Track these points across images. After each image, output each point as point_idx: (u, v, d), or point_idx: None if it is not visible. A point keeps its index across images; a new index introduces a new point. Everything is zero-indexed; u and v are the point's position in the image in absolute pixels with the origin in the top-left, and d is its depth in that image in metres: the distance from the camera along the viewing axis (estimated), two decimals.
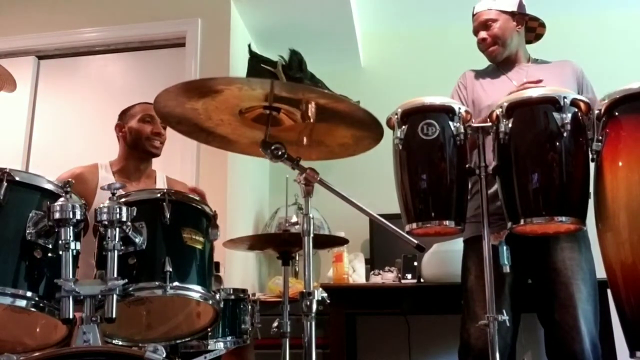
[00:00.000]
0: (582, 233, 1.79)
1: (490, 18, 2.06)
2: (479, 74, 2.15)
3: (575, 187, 1.46)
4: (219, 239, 1.57)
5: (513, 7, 2.07)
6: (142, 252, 1.37)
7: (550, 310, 1.84)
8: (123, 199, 1.39)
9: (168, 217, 1.41)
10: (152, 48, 3.12)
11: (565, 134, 1.45)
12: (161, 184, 2.25)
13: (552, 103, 1.48)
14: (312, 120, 1.49)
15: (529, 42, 2.17)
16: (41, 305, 1.23)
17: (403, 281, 2.61)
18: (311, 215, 1.47)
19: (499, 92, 1.91)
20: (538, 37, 2.19)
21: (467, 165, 1.58)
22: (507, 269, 1.51)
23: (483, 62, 2.18)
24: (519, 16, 2.08)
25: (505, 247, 1.52)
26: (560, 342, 1.80)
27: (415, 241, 1.53)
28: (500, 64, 2.11)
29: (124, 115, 2.23)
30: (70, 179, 1.31)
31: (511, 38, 2.07)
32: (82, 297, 1.22)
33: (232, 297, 1.88)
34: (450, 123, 1.57)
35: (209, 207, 1.55)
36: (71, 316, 1.20)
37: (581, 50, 2.98)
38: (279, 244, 2.06)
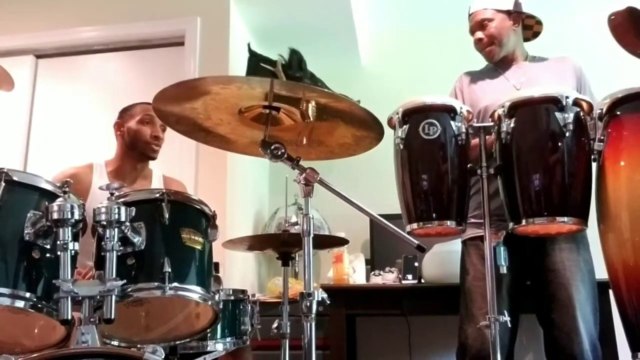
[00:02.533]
0: (580, 234, 1.78)
1: (486, 17, 2.04)
2: (476, 76, 2.13)
3: (577, 187, 1.45)
4: (218, 239, 1.56)
5: (509, 6, 2.05)
6: (140, 253, 1.36)
7: (549, 311, 1.84)
8: (122, 199, 1.37)
9: (167, 217, 1.40)
10: (151, 47, 3.12)
11: (567, 134, 1.44)
12: (157, 183, 2.24)
13: (554, 103, 1.48)
14: (312, 120, 1.49)
15: (526, 39, 2.16)
16: (39, 306, 1.22)
17: (404, 282, 2.60)
18: (311, 216, 1.46)
19: (496, 93, 1.89)
20: (535, 34, 2.18)
21: (468, 165, 1.57)
22: (504, 270, 1.51)
23: (482, 62, 2.17)
24: (515, 14, 2.06)
25: (502, 248, 1.52)
26: (559, 343, 1.79)
27: (416, 241, 1.52)
28: (498, 63, 2.10)
29: (124, 113, 2.22)
30: (68, 179, 1.30)
31: (508, 37, 2.05)
32: (80, 298, 1.21)
33: (232, 297, 1.87)
34: (452, 122, 1.57)
35: (209, 207, 1.54)
36: (69, 317, 1.19)
37: (580, 48, 2.97)
38: (279, 245, 2.05)
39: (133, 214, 1.32)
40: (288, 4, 3.14)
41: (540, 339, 1.89)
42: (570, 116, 1.45)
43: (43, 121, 3.15)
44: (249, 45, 2.98)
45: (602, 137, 1.39)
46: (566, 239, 1.84)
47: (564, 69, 2.03)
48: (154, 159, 2.21)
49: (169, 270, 1.34)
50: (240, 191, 3.07)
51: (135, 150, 2.17)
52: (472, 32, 2.09)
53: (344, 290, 2.65)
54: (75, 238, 1.25)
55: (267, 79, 1.40)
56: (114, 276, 1.25)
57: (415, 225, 1.56)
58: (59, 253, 1.21)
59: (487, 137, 1.60)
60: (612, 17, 1.51)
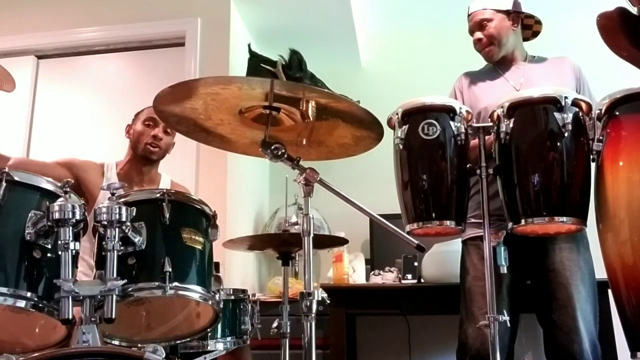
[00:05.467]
0: (580, 233, 1.79)
1: (485, 18, 2.04)
2: (475, 76, 2.13)
3: (576, 187, 1.46)
4: (218, 239, 1.57)
5: (508, 6, 2.05)
6: (141, 252, 1.36)
7: (549, 311, 1.84)
8: (122, 199, 1.38)
9: (167, 217, 1.40)
10: (151, 48, 3.12)
11: (566, 134, 1.45)
12: (164, 186, 2.25)
13: (553, 103, 1.48)
14: (311, 120, 1.49)
15: (525, 39, 2.16)
16: (40, 305, 1.23)
17: (403, 281, 2.61)
18: (311, 215, 1.46)
19: (495, 94, 1.89)
20: (535, 34, 2.18)
21: (467, 165, 1.58)
22: (504, 270, 1.51)
23: (482, 62, 2.17)
24: (514, 15, 2.06)
25: (503, 248, 1.52)
26: (559, 342, 1.79)
27: (416, 241, 1.53)
28: (497, 63, 2.10)
29: (134, 117, 2.27)
30: (69, 179, 1.30)
31: (507, 37, 2.05)
32: (81, 298, 1.22)
33: (232, 297, 1.87)
34: (451, 123, 1.57)
35: (209, 207, 1.54)
36: (70, 317, 1.20)
37: (580, 48, 2.98)
38: (279, 244, 2.05)
39: (134, 214, 1.32)
40: (288, 5, 3.14)
41: (540, 339, 1.89)
42: (569, 116, 1.45)
43: (44, 122, 3.16)
44: (249, 46, 2.99)
45: (600, 138, 1.39)
46: (566, 239, 1.85)
47: (563, 69, 2.03)
48: (153, 160, 2.21)
49: (170, 269, 1.34)
50: (240, 191, 3.07)
51: (137, 152, 2.19)
52: (472, 32, 2.10)
53: (344, 290, 2.66)
54: (76, 238, 1.25)
55: (268, 80, 1.41)
56: (114, 276, 1.25)
57: (414, 225, 1.57)
58: (59, 253, 1.21)
59: (486, 137, 1.61)
60: (600, 17, 1.50)
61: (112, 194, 1.31)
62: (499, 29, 2.04)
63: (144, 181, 2.21)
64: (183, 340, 1.57)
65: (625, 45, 1.45)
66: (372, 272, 2.82)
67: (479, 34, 2.06)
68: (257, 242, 2.36)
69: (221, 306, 1.54)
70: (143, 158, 2.20)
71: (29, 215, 1.24)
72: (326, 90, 1.54)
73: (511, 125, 1.52)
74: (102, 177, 2.14)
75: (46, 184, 1.30)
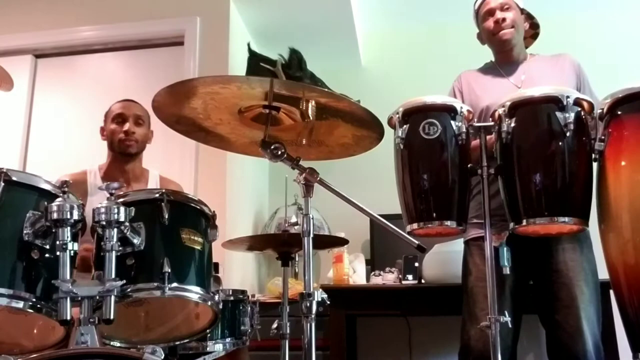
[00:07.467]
0: (583, 234, 1.78)
1: (507, 3, 2.03)
2: (476, 75, 2.12)
3: (578, 187, 1.45)
4: (218, 239, 1.56)
5: (522, 5, 2.08)
6: (140, 253, 1.35)
7: (552, 311, 1.83)
8: (121, 199, 1.37)
9: (166, 217, 1.40)
10: (150, 47, 3.12)
11: (568, 134, 1.44)
12: (153, 183, 2.24)
13: (555, 102, 1.47)
14: (311, 120, 1.48)
15: None
16: (38, 306, 1.22)
17: (404, 282, 2.60)
18: (311, 216, 1.46)
19: (497, 92, 1.88)
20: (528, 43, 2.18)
21: (468, 165, 1.57)
22: (507, 271, 1.50)
23: (483, 61, 2.16)
24: (525, 15, 2.08)
25: (505, 249, 1.51)
26: (562, 343, 1.79)
27: (416, 242, 1.52)
28: (500, 58, 2.09)
29: (105, 117, 2.25)
30: (67, 179, 1.30)
31: (521, 30, 2.06)
32: (79, 298, 1.21)
33: (231, 298, 1.86)
34: (452, 122, 1.56)
35: (208, 207, 1.53)
36: (69, 317, 1.19)
37: (579, 48, 2.98)
38: (279, 245, 2.05)
39: (132, 214, 1.32)
40: (288, 4, 3.14)
41: (541, 340, 1.88)
42: (571, 116, 1.44)
43: (42, 121, 3.15)
44: (248, 45, 2.98)
45: (602, 137, 1.38)
46: (569, 239, 1.84)
47: (563, 65, 2.02)
48: (131, 154, 2.19)
49: (169, 270, 1.34)
50: (240, 191, 3.06)
51: (115, 150, 2.18)
52: (492, 13, 2.03)
53: (344, 291, 2.65)
54: (74, 238, 1.25)
55: (267, 79, 1.40)
56: (113, 276, 1.24)
57: (415, 225, 1.56)
58: (58, 253, 1.21)
59: (487, 137, 1.60)
60: None
61: (111, 194, 1.30)
62: (518, 19, 2.04)
63: (129, 179, 2.19)
64: (182, 341, 1.56)
65: None
66: (373, 273, 2.81)
67: (502, 14, 2.01)
68: (256, 243, 2.36)
69: (220, 307, 1.53)
70: (123, 155, 2.18)
71: (27, 215, 1.24)
72: (326, 90, 1.53)
73: (513, 124, 1.51)
74: (84, 184, 2.11)
75: (44, 184, 1.29)
